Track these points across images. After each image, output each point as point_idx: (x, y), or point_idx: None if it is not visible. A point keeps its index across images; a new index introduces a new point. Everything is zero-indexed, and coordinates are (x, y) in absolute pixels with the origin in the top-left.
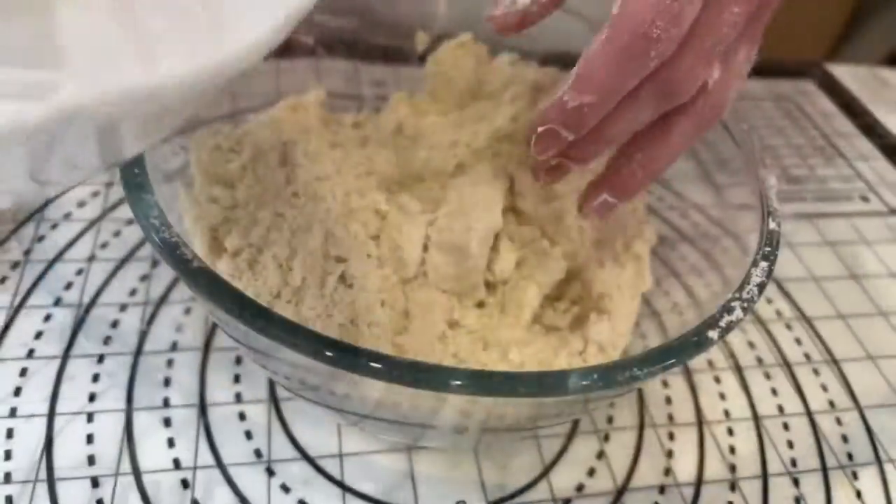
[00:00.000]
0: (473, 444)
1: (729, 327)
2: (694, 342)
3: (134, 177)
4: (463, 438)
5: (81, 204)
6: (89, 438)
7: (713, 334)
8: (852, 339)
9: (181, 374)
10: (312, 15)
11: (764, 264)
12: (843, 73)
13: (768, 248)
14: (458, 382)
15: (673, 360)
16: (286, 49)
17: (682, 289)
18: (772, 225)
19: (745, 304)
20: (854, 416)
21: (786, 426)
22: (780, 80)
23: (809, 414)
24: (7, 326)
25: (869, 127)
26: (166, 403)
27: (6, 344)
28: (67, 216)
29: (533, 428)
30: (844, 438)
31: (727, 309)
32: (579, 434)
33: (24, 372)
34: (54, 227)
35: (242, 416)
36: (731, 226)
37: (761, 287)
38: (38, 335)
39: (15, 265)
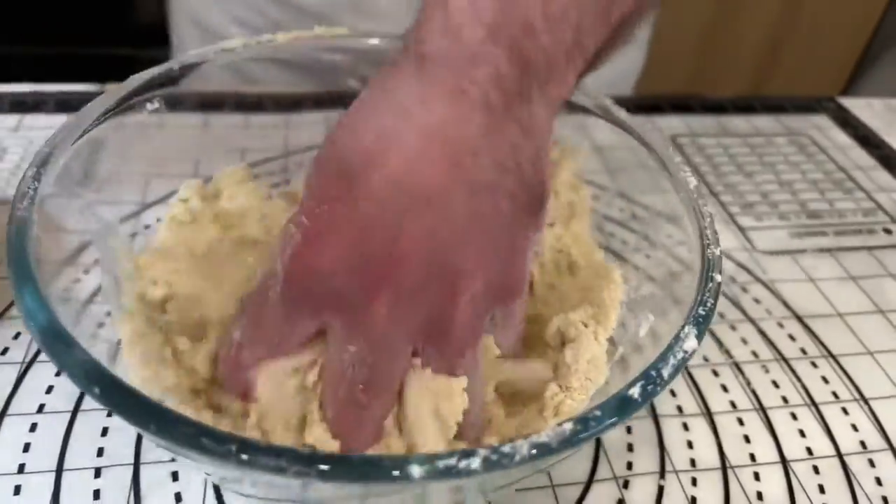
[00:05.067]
0: None
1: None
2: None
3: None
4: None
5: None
6: (96, 494)
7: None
8: (882, 375)
9: None
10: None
11: (671, 365)
12: (857, 105)
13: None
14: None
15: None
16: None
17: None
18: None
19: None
20: (888, 457)
21: (816, 469)
22: (792, 116)
23: (840, 456)
24: (19, 382)
25: (887, 158)
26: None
27: (17, 399)
28: (87, 271)
29: (544, 469)
30: (878, 481)
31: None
32: (597, 482)
33: (34, 427)
34: (76, 281)
35: None
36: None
37: (653, 383)
38: (49, 389)
39: None
